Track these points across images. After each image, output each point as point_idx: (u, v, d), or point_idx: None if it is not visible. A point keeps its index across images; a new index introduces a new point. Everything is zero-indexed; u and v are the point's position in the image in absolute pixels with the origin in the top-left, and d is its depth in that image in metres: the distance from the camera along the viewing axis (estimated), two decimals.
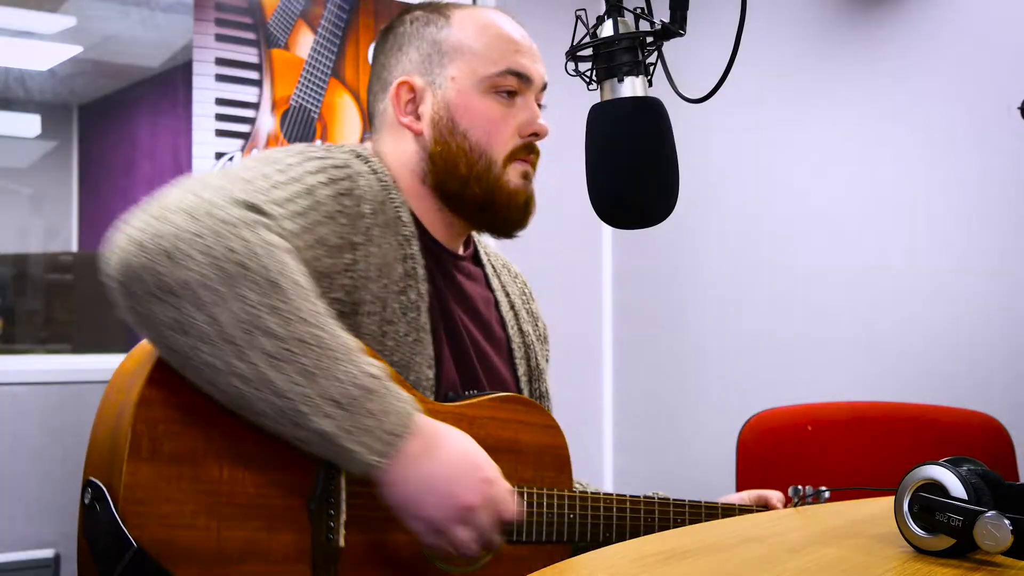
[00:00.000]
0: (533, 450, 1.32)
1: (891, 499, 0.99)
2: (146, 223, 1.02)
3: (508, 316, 1.50)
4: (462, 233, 1.45)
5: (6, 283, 2.57)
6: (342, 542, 1.11)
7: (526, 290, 1.61)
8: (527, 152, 1.39)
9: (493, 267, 1.55)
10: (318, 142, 2.95)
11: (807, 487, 1.54)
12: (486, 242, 1.59)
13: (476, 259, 1.51)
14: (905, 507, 0.96)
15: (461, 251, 1.46)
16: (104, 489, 1.05)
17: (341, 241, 1.20)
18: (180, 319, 0.99)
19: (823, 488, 1.55)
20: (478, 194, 1.36)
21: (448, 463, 1.10)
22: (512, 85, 1.36)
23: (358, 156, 1.32)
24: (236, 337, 1.00)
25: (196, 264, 0.99)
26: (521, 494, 1.27)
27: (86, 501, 1.08)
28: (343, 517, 1.11)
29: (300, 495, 1.12)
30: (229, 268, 1.00)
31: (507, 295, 1.53)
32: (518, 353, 1.48)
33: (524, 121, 1.37)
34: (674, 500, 1.45)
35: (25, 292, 2.59)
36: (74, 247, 2.65)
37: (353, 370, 1.04)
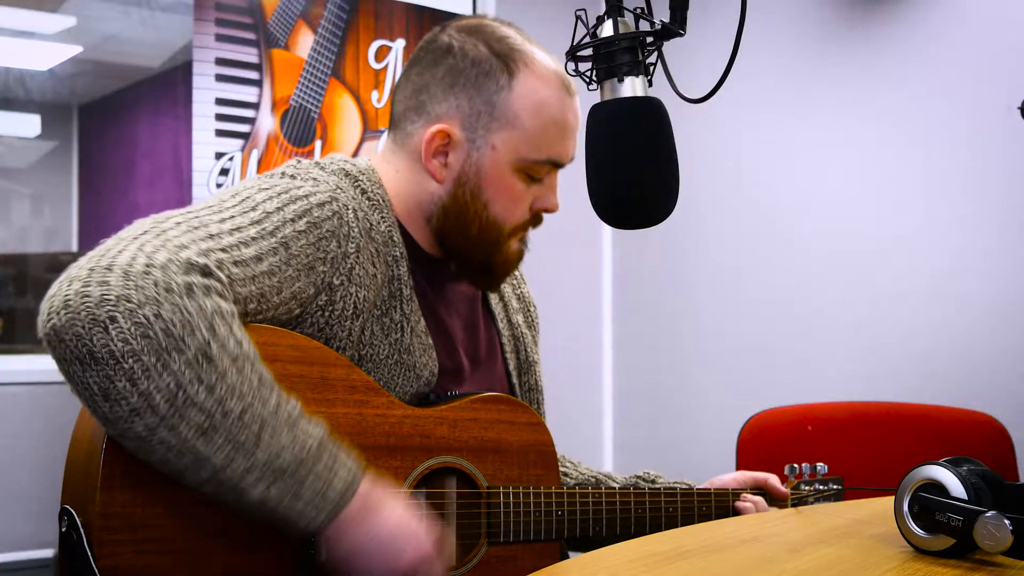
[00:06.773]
0: (518, 449, 1.32)
1: (891, 499, 0.99)
2: (80, 279, 0.97)
3: (497, 309, 1.49)
4: None
5: (6, 283, 2.57)
6: (323, 556, 1.11)
7: (516, 273, 1.59)
8: (534, 223, 1.38)
9: None
10: (317, 142, 2.95)
11: (804, 464, 1.54)
12: None
13: None
14: (905, 507, 0.97)
15: None
16: (77, 519, 1.04)
17: (317, 288, 1.18)
18: (106, 387, 0.95)
19: (820, 464, 1.55)
20: (477, 257, 1.35)
21: (386, 525, 1.09)
22: (545, 172, 1.35)
23: (347, 175, 1.28)
24: (163, 409, 0.96)
25: (122, 331, 0.94)
26: (507, 494, 1.28)
27: (62, 529, 1.06)
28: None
29: None
30: (158, 338, 0.95)
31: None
32: (508, 347, 1.48)
33: (542, 199, 1.36)
34: (665, 487, 1.45)
35: (25, 292, 2.59)
36: (74, 247, 2.65)
37: (288, 442, 1.02)
